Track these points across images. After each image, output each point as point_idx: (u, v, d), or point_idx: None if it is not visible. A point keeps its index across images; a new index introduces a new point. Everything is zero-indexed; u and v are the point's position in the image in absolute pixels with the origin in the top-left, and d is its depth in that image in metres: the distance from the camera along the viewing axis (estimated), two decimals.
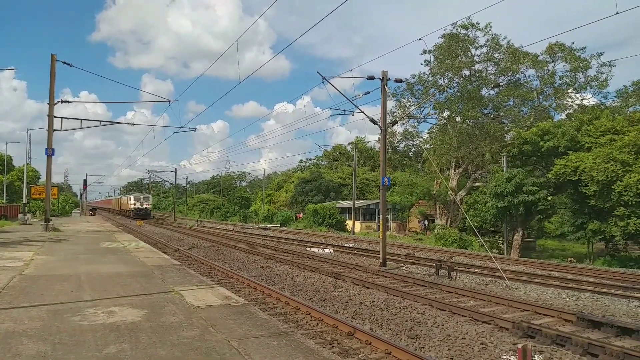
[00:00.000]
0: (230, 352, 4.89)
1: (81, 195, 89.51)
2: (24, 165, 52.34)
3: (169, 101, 25.36)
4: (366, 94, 20.84)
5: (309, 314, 9.45)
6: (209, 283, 9.58)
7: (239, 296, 9.14)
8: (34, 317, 6.08)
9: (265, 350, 4.99)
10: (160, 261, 12.84)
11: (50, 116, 23.16)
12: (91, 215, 69.19)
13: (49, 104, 23.20)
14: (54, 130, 23.35)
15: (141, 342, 5.14)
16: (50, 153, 23.26)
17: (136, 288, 8.38)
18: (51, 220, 25.34)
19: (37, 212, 50.37)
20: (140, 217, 59.75)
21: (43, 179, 49.45)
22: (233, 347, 5.03)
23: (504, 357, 7.15)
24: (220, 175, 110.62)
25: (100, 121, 27.03)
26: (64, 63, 23.29)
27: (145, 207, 64.09)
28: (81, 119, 25.20)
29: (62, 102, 24.53)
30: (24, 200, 43.59)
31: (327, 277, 14.71)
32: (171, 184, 79.49)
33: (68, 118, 24.93)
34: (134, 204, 63.82)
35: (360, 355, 7.07)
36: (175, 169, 71.39)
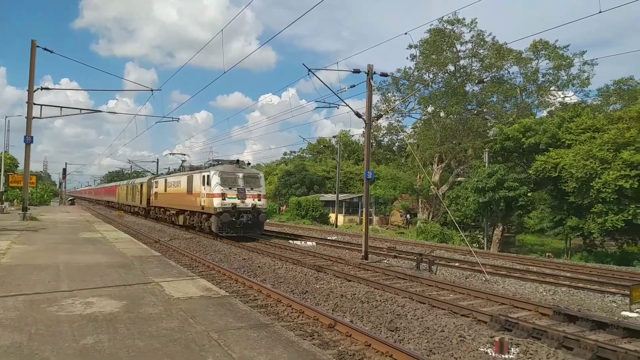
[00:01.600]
0: (210, 343, 4.88)
1: (60, 184, 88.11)
2: (1, 153, 51.28)
3: (152, 90, 25.01)
4: (351, 87, 20.90)
5: (290, 306, 9.47)
6: (189, 274, 9.53)
7: (220, 288, 9.10)
8: (9, 307, 5.98)
9: (245, 342, 4.99)
10: (141, 252, 12.73)
11: (30, 103, 22.70)
12: (70, 204, 68.17)
13: (28, 90, 22.72)
14: (33, 117, 22.90)
15: (119, 333, 5.10)
16: (29, 141, 22.81)
17: (115, 279, 8.30)
18: (29, 209, 24.90)
19: (15, 200, 49.47)
20: (243, 229, 23.23)
21: (21, 167, 48.38)
22: (213, 339, 5.02)
23: (482, 349, 7.26)
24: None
25: (80, 109, 26.59)
26: (45, 49, 22.80)
27: (254, 204, 23.42)
28: (61, 107, 24.75)
29: (42, 89, 24.02)
30: (1, 188, 42.75)
31: (309, 269, 14.73)
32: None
33: (48, 105, 24.47)
34: (222, 193, 22.77)
35: (340, 347, 7.11)
36: (157, 159, 70.19)
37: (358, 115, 19.01)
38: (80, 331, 5.09)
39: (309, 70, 17.92)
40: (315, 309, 9.00)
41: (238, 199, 22.84)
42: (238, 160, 24.93)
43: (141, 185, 40.56)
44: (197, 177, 25.33)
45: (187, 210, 27.13)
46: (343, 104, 20.11)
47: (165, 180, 32.20)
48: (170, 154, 38.63)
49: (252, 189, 23.57)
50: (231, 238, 22.55)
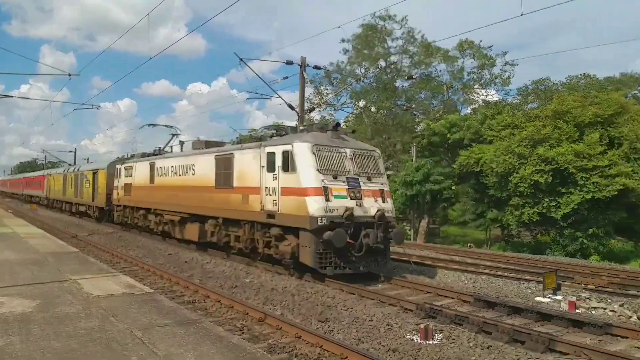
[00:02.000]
0: (133, 342, 4.65)
1: None
2: None
3: (69, 75, 23.33)
4: (284, 79, 20.86)
5: (219, 301, 9.28)
6: (110, 271, 9.10)
7: (144, 284, 8.75)
8: None
9: (171, 339, 4.81)
10: (56, 248, 11.97)
11: None
12: None
13: None
14: None
15: (32, 334, 4.75)
16: None
17: (27, 277, 7.73)
18: None
19: None
20: (364, 261, 11.86)
21: None
22: (136, 337, 4.79)
23: (408, 336, 7.48)
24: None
25: None
26: None
27: (381, 211, 11.86)
28: None
29: None
30: None
31: (239, 263, 14.51)
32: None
33: None
34: (325, 187, 11.17)
35: (270, 341, 7.06)
36: (75, 148, 65.63)
37: (291, 107, 18.95)
38: None
39: (241, 59, 17.63)
40: (245, 303, 8.89)
41: (351, 199, 11.70)
42: (338, 125, 13.35)
43: (94, 174, 28.19)
44: (248, 157, 13.48)
45: (213, 218, 15.43)
46: (276, 95, 19.97)
47: (152, 166, 20.17)
48: (151, 125, 26.15)
49: (369, 179, 12.39)
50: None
